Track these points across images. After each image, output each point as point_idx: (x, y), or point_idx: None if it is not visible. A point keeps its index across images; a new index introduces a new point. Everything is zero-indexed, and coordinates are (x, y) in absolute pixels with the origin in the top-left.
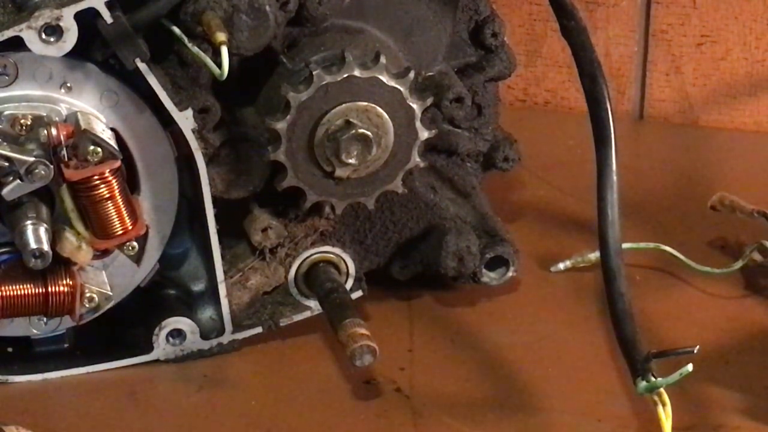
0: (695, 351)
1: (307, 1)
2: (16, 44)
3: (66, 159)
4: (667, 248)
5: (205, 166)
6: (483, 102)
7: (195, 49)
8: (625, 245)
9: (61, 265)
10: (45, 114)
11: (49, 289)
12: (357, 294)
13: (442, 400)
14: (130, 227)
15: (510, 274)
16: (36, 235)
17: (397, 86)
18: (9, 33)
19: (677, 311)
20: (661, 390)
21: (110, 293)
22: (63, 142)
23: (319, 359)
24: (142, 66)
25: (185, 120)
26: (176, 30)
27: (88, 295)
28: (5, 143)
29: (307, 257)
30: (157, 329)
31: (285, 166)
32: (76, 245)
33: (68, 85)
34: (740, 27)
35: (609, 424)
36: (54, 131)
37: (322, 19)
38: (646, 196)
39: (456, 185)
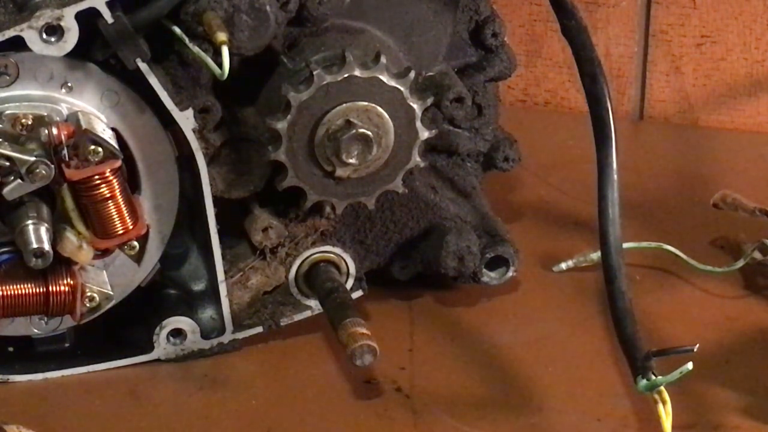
0: (695, 350)
1: (307, 1)
2: (17, 44)
3: (67, 159)
4: (669, 248)
5: (205, 165)
6: (483, 102)
7: (196, 49)
8: (627, 245)
9: (61, 264)
10: (46, 114)
11: (50, 289)
12: (357, 294)
13: (442, 399)
14: (131, 227)
15: (510, 273)
16: (37, 235)
17: (397, 86)
18: (10, 33)
19: (677, 310)
20: (662, 388)
21: (111, 293)
22: (64, 142)
23: (320, 359)
24: (142, 66)
25: (186, 120)
26: (177, 30)
27: (88, 294)
28: (6, 143)
29: (308, 257)
30: (157, 329)
31: (285, 166)
32: (77, 245)
33: (69, 84)
34: (740, 27)
35: (609, 423)
36: (55, 131)
37: (323, 19)
38: (646, 196)
39: (456, 185)
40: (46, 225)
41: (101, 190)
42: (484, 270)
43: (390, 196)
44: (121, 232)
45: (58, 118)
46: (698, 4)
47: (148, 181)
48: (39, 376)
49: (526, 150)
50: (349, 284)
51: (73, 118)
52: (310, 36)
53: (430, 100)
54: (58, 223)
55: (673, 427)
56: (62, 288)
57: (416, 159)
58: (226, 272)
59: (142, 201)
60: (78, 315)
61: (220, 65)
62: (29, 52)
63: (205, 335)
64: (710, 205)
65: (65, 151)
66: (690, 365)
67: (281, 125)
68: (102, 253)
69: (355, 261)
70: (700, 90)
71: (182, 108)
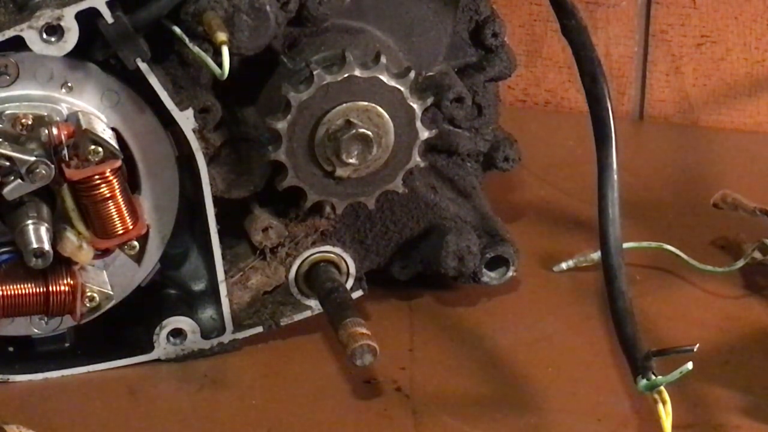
0: (695, 349)
1: (307, 1)
2: (17, 44)
3: (67, 159)
4: (670, 247)
5: (205, 165)
6: (483, 102)
7: (196, 49)
8: (627, 245)
9: (61, 264)
10: (46, 114)
11: (50, 289)
12: (357, 293)
13: (442, 399)
14: (131, 227)
15: (510, 273)
16: (37, 235)
17: (397, 86)
18: (10, 33)
19: (677, 310)
20: (662, 388)
21: (111, 293)
22: (64, 142)
23: (320, 359)
24: (143, 66)
25: (186, 120)
26: (177, 30)
27: (88, 294)
28: (6, 143)
29: (308, 257)
30: (157, 329)
31: (285, 166)
32: (77, 245)
33: (69, 84)
34: (740, 27)
35: (609, 424)
36: (55, 131)
37: (323, 19)
38: (646, 196)
39: (456, 185)
40: (46, 225)
41: (101, 190)
42: (484, 270)
43: (390, 196)
44: (121, 232)
45: (58, 118)
46: (698, 4)
47: (148, 181)
48: (39, 376)
49: (526, 150)
50: (349, 284)
51: (73, 118)
52: (310, 36)
53: (430, 100)
54: (58, 223)
55: (673, 427)
56: (62, 288)
57: (416, 159)
58: (226, 272)
59: (142, 201)
60: (78, 315)
61: (220, 65)
62: (29, 52)
63: (205, 335)
64: (710, 205)
65: (65, 151)
66: (690, 365)
67: (281, 125)
68: (102, 253)
69: (355, 261)
70: (700, 90)
71: (182, 108)
